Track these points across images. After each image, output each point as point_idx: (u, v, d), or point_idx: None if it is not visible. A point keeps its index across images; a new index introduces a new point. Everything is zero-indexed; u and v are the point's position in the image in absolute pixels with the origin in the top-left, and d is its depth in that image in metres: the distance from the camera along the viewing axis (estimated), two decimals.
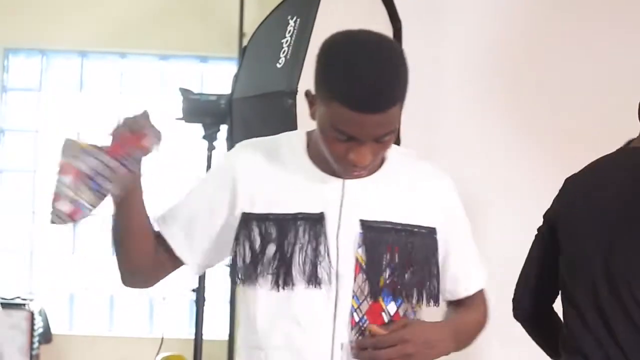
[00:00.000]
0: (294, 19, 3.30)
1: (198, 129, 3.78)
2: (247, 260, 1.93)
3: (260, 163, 1.98)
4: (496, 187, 3.83)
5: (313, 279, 1.91)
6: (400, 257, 1.94)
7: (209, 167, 3.79)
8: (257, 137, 3.29)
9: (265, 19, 3.52)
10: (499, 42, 4.02)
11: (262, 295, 1.94)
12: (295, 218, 1.92)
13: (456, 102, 3.92)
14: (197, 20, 6.21)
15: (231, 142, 3.59)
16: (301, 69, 3.16)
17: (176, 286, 4.81)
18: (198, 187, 2.06)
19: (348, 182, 1.94)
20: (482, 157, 3.88)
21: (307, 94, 1.92)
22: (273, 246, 1.91)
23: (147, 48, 6.47)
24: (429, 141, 3.78)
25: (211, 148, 3.78)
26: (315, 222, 1.92)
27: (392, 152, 1.97)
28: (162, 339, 4.42)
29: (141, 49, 6.50)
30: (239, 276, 1.95)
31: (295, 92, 3.13)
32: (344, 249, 1.92)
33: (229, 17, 5.62)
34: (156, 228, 2.03)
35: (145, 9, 6.24)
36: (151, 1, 6.28)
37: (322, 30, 3.33)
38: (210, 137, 3.77)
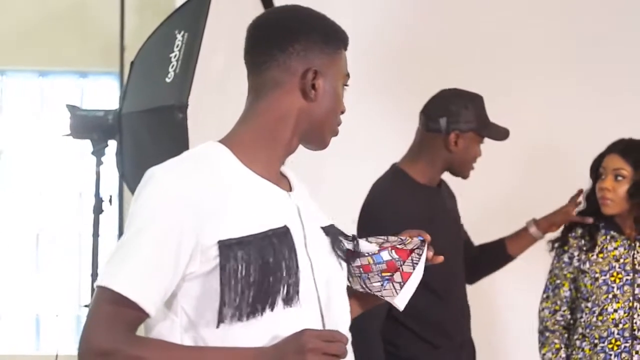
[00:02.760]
0: (182, 33, 3.32)
1: (86, 145, 3.77)
2: (244, 290, 1.78)
3: (203, 185, 1.81)
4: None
5: (296, 296, 1.83)
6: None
7: (97, 182, 3.77)
8: (148, 151, 3.32)
9: (153, 33, 3.52)
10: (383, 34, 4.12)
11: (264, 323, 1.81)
12: (268, 236, 1.82)
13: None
14: (76, 35, 6.15)
15: (121, 157, 3.59)
16: (191, 83, 3.19)
17: (68, 302, 4.80)
18: (150, 234, 1.79)
19: (292, 193, 1.95)
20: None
21: (306, 74, 1.90)
22: (265, 268, 1.79)
23: (25, 65, 6.37)
24: None
25: (99, 164, 3.77)
26: (283, 236, 1.84)
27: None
28: (57, 356, 4.37)
29: (18, 66, 6.40)
30: (242, 311, 1.79)
31: (185, 106, 3.14)
32: (316, 259, 1.91)
33: (109, 31, 5.59)
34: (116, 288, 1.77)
35: (21, 25, 6.14)
36: (27, 17, 6.18)
37: (210, 44, 3.38)
38: (98, 152, 3.75)
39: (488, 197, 4.07)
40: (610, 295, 3.20)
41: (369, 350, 2.95)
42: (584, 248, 3.28)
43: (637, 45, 4.30)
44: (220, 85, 3.58)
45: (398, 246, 2.09)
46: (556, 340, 3.29)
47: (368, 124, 4.12)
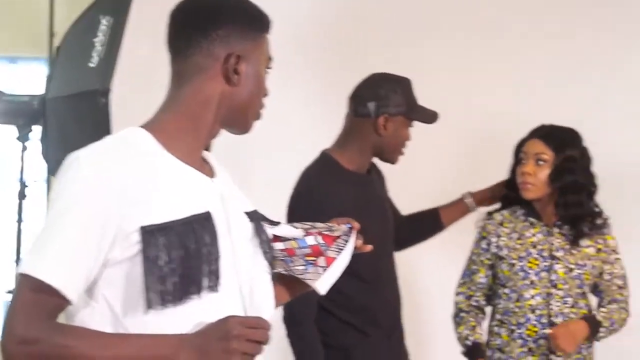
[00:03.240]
0: (107, 18, 3.31)
1: (12, 130, 3.74)
2: (166, 276, 1.76)
3: (125, 171, 1.79)
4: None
5: (218, 283, 1.82)
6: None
7: (22, 168, 3.75)
8: (72, 136, 3.30)
9: (78, 18, 3.51)
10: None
11: (181, 311, 1.79)
12: (191, 222, 1.80)
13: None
14: (5, 20, 6.08)
15: (45, 143, 3.57)
16: (114, 68, 3.18)
17: None
18: (70, 220, 1.76)
19: (215, 179, 1.93)
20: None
21: (228, 58, 1.89)
22: (186, 254, 1.78)
23: None
24: None
25: (24, 149, 3.75)
26: (205, 222, 1.83)
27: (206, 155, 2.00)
28: None
29: None
30: (165, 297, 1.77)
31: (108, 91, 3.14)
32: (239, 245, 1.90)
33: (38, 16, 5.52)
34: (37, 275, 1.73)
35: None
36: None
37: (135, 28, 3.37)
38: (23, 138, 3.73)
39: (421, 184, 4.10)
40: (528, 282, 3.23)
41: (304, 339, 2.97)
42: (502, 234, 3.32)
43: (570, 35, 4.34)
44: (145, 70, 3.57)
45: (325, 232, 2.10)
46: (471, 319, 3.32)
47: (297, 110, 4.13)
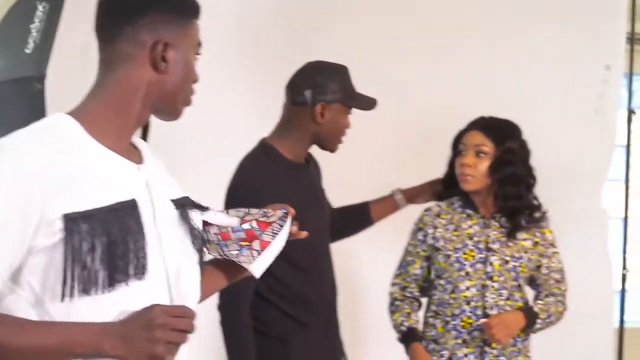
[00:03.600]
0: (43, 4, 3.29)
1: None
2: (89, 263, 1.76)
3: (50, 158, 1.78)
4: None
5: (144, 271, 1.82)
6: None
7: None
8: (7, 122, 3.26)
9: (14, 4, 3.48)
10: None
11: (101, 299, 1.78)
12: (115, 209, 1.80)
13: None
14: None
15: None
16: (50, 54, 3.15)
17: None
18: None
19: (142, 166, 1.92)
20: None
21: (155, 46, 1.88)
22: (110, 242, 1.78)
23: None
24: None
25: None
26: (131, 209, 1.83)
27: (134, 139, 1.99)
28: None
29: None
30: (88, 285, 1.76)
31: (43, 77, 3.12)
32: (165, 233, 1.89)
33: None
34: None
35: None
36: None
37: (72, 14, 3.34)
38: None
39: (359, 175, 4.10)
40: (463, 273, 3.23)
41: (235, 327, 2.95)
42: (439, 225, 3.32)
43: (507, 30, 4.37)
44: (81, 57, 3.53)
45: (260, 219, 2.10)
46: (406, 307, 3.33)
47: (233, 99, 4.11)
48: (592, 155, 4.50)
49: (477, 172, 3.22)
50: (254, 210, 2.12)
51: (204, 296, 2.12)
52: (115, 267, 1.78)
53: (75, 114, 1.88)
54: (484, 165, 3.22)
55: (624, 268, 4.67)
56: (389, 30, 4.31)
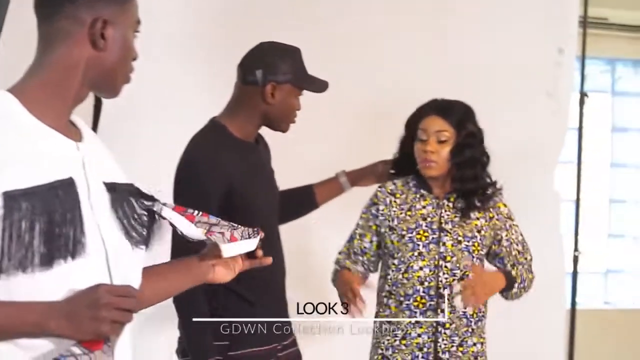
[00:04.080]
0: None
1: None
2: (28, 241, 1.75)
3: None
4: None
5: (82, 250, 1.81)
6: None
7: None
8: None
9: None
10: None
11: (35, 279, 1.76)
12: (52, 187, 1.79)
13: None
14: None
15: None
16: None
17: None
18: None
19: (81, 144, 1.90)
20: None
21: (94, 23, 1.87)
22: (50, 220, 1.77)
23: None
24: None
25: None
26: (69, 187, 1.82)
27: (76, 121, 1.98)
28: None
29: None
30: (27, 263, 1.75)
31: None
32: (101, 213, 1.88)
33: None
34: None
35: None
36: None
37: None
38: None
39: (310, 157, 4.10)
40: (416, 253, 3.23)
41: (190, 306, 2.94)
42: (393, 204, 3.32)
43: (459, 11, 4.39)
44: (32, 40, 3.49)
45: (227, 231, 2.09)
46: (349, 267, 3.36)
47: (184, 79, 4.09)
48: (544, 138, 4.53)
49: (439, 158, 3.23)
50: (223, 222, 2.11)
51: (156, 298, 2.14)
52: (53, 246, 1.77)
53: (15, 91, 1.86)
54: (446, 151, 3.23)
55: (576, 250, 4.71)
56: (340, 13, 4.30)
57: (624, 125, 6.38)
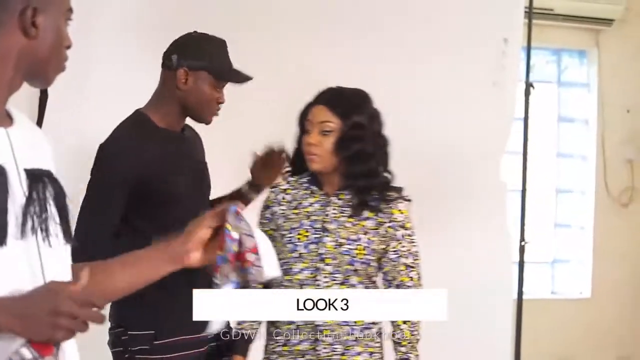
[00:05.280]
0: None
1: None
2: None
3: None
4: None
5: (4, 236, 1.75)
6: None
7: None
8: None
9: None
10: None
11: None
12: None
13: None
14: None
15: None
16: None
17: None
18: None
19: (10, 129, 1.85)
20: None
21: (24, 11, 1.82)
22: None
23: None
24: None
25: None
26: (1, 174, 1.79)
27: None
28: None
29: None
30: None
31: None
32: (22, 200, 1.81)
33: None
34: None
35: None
36: None
37: None
38: None
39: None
40: (296, 255, 3.02)
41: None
42: (283, 202, 3.11)
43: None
44: None
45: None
46: None
47: (115, 70, 4.03)
48: (491, 128, 4.53)
49: (323, 151, 3.00)
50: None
51: (128, 287, 2.10)
52: None
53: None
54: (329, 142, 2.99)
55: (522, 240, 4.72)
56: (266, 6, 4.27)
57: (570, 116, 6.42)
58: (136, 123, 3.08)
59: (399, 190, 3.09)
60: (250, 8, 4.21)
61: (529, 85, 4.72)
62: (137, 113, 3.12)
